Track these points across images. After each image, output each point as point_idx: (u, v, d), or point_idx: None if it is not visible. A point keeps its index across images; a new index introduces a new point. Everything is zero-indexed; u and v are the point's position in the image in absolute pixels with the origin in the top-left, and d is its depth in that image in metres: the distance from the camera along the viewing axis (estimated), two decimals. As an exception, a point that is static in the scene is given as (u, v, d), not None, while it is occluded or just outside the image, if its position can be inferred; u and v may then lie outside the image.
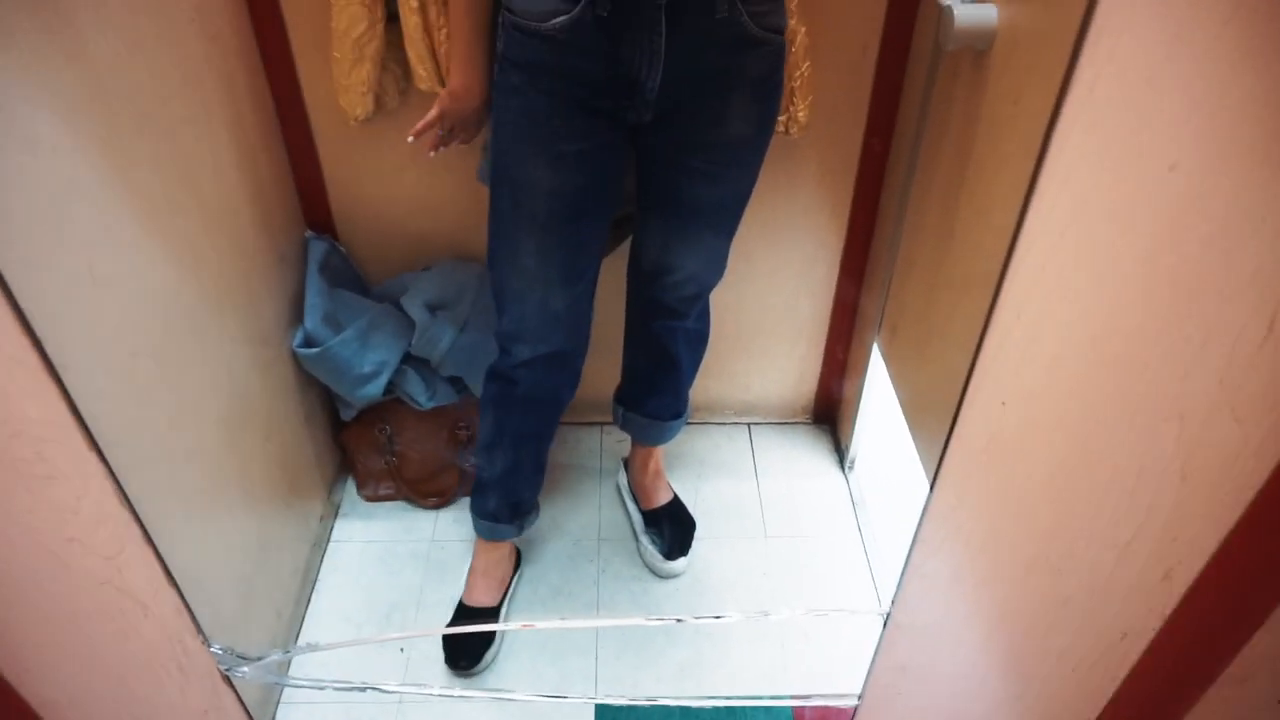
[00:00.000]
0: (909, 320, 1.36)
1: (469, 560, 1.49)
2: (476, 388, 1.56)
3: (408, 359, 1.53)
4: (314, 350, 1.43)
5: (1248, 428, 0.43)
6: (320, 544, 1.58)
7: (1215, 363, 0.44)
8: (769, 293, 1.62)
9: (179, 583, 0.89)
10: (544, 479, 1.44)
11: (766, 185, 1.22)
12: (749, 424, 1.83)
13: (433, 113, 1.15)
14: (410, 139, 1.15)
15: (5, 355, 0.64)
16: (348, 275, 1.54)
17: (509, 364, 1.26)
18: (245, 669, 1.01)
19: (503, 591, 1.47)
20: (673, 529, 1.56)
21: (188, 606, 0.91)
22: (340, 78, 1.28)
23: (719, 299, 1.38)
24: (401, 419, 1.61)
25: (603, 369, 1.49)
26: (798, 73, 1.27)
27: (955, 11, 1.03)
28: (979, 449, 0.71)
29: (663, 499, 1.60)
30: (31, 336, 0.66)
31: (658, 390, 1.47)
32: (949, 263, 1.18)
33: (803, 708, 1.36)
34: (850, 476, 1.73)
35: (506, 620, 1.47)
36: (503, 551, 1.47)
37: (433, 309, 1.50)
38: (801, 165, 1.45)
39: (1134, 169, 0.49)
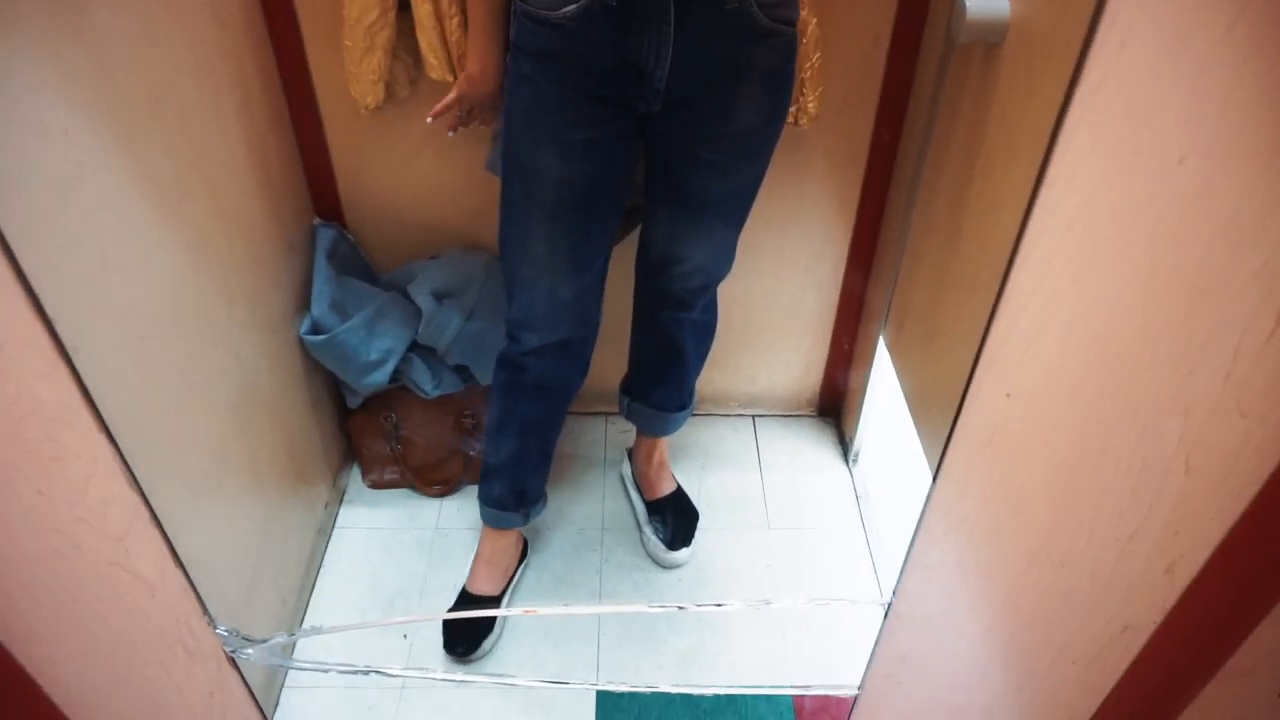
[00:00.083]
0: (915, 314, 1.36)
1: (474, 549, 1.50)
2: (482, 376, 1.56)
3: (414, 347, 1.53)
4: (321, 337, 1.44)
5: (1252, 423, 0.43)
6: (325, 530, 1.59)
7: (1221, 357, 0.44)
8: (775, 285, 1.62)
9: (185, 565, 0.89)
10: (550, 469, 1.44)
11: (774, 177, 1.22)
12: (754, 416, 1.84)
13: (451, 95, 1.18)
14: (429, 120, 1.19)
15: (18, 336, 0.64)
16: (355, 263, 1.54)
17: (517, 351, 1.27)
18: (250, 651, 1.02)
19: (506, 581, 1.48)
20: (676, 519, 1.57)
21: (194, 588, 0.92)
22: (351, 66, 1.28)
23: (725, 291, 1.39)
24: (407, 407, 1.62)
25: (610, 359, 1.49)
26: (808, 64, 1.26)
27: (967, 3, 1.03)
28: (983, 440, 0.71)
29: (666, 489, 1.60)
30: (43, 318, 0.66)
31: (663, 381, 1.47)
32: (957, 257, 1.18)
33: (803, 697, 1.36)
34: (854, 470, 1.73)
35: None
36: (508, 540, 1.48)
37: (440, 297, 1.50)
38: (810, 157, 1.45)
39: (1142, 162, 0.49)
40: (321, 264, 1.45)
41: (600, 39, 1.00)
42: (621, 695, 1.36)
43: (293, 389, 1.44)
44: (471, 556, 1.49)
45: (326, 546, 1.57)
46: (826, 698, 1.36)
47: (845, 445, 1.77)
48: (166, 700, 0.90)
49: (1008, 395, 0.66)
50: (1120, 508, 0.54)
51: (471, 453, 1.63)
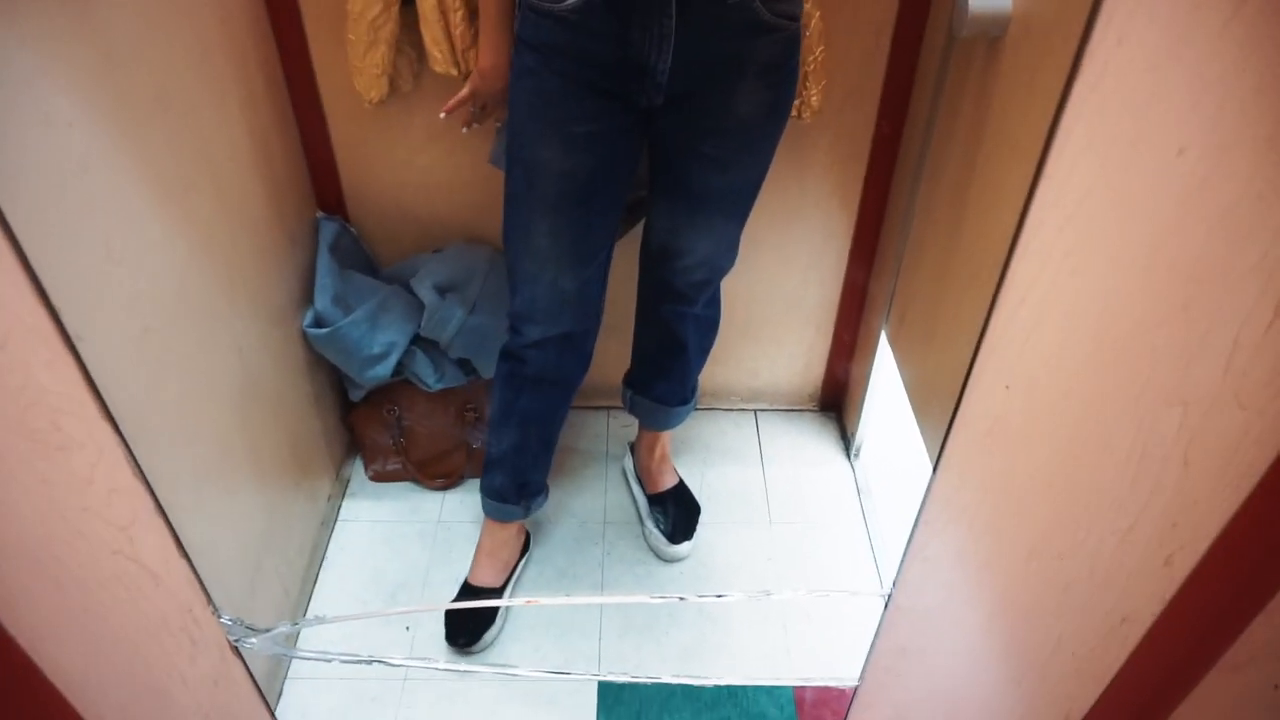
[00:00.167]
0: (918, 308, 1.36)
1: (475, 541, 1.50)
2: (485, 370, 1.57)
3: (417, 340, 1.53)
4: (324, 331, 1.44)
5: (1251, 414, 0.43)
6: (328, 523, 1.59)
7: (1220, 349, 0.44)
8: (778, 279, 1.62)
9: (190, 554, 0.90)
10: (552, 461, 1.45)
11: (777, 171, 1.22)
12: (756, 410, 1.84)
13: (465, 91, 1.20)
14: (442, 115, 1.20)
15: (24, 325, 0.65)
16: (358, 256, 1.55)
17: (520, 344, 1.27)
18: (254, 640, 1.03)
19: (508, 573, 1.48)
20: (678, 513, 1.57)
21: (198, 577, 0.92)
22: (355, 60, 1.28)
23: (727, 285, 1.39)
24: (410, 400, 1.62)
25: (613, 352, 1.50)
26: (811, 57, 1.26)
27: (970, -2, 1.03)
28: (982, 432, 0.71)
29: (668, 483, 1.60)
30: (49, 307, 0.66)
31: (665, 375, 1.47)
32: (959, 250, 1.18)
33: (803, 689, 1.37)
34: (856, 464, 1.73)
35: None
36: (510, 532, 1.48)
37: (442, 291, 1.51)
38: (813, 150, 1.45)
39: (1140, 155, 0.49)
40: (324, 257, 1.46)
41: (602, 32, 1.00)
42: (623, 686, 1.36)
43: (295, 382, 1.45)
44: (473, 549, 1.49)
45: (329, 538, 1.58)
46: (827, 689, 1.36)
47: (847, 440, 1.77)
48: (170, 688, 0.91)
49: (1007, 387, 0.67)
50: (1119, 499, 0.54)
51: (474, 445, 1.64)
